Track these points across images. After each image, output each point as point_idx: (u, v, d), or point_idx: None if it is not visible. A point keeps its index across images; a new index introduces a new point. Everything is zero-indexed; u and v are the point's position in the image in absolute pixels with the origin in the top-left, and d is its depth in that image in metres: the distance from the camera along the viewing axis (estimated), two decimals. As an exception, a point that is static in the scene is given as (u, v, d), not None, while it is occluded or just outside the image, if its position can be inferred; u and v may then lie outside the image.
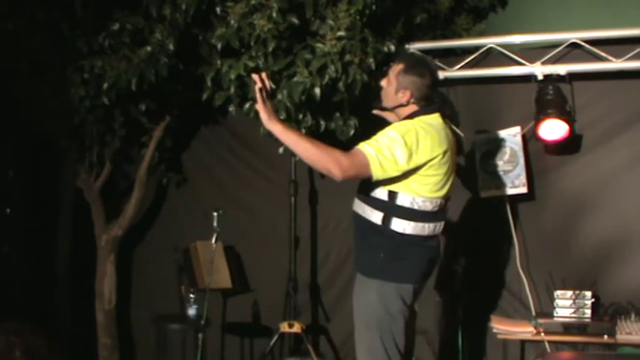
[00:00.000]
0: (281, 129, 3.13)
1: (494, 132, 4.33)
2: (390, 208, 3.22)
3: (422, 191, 3.21)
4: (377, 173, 3.12)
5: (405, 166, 3.13)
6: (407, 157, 3.12)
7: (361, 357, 3.31)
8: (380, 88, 3.44)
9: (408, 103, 3.33)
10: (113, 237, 4.93)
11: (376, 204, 3.24)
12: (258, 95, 3.13)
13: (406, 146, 3.12)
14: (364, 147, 3.13)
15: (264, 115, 3.14)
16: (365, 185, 3.29)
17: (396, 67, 3.35)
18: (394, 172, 3.14)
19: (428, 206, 3.23)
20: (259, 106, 3.14)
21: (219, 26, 3.97)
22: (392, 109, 3.41)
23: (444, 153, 3.22)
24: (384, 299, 3.22)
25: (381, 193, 3.24)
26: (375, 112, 3.59)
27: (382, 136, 3.15)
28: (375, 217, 3.24)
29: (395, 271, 3.24)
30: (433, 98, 3.37)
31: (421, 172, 3.19)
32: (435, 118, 3.32)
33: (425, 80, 3.31)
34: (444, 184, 3.27)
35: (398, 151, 3.11)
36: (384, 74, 3.45)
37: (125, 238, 5.01)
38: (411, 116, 3.29)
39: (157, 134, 4.84)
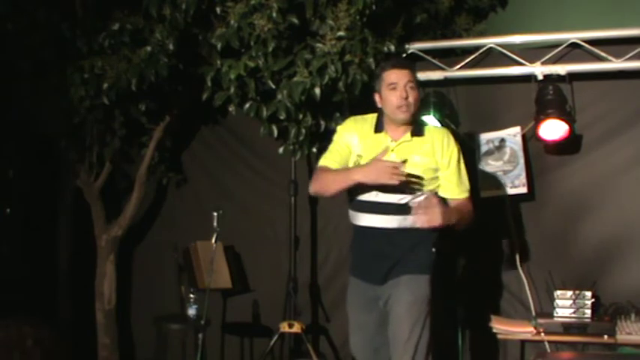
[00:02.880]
0: (449, 218, 3.31)
1: (494, 132, 4.33)
2: None
3: None
4: None
5: None
6: None
7: (409, 354, 3.33)
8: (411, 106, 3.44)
9: None
10: (113, 237, 4.93)
11: None
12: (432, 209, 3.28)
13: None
14: (464, 195, 3.47)
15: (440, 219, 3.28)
16: (413, 199, 3.38)
17: (414, 74, 3.46)
18: None
19: None
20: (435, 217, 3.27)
21: (219, 26, 3.97)
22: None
23: None
24: (432, 293, 3.37)
25: None
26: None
27: (461, 169, 3.48)
28: None
29: (435, 264, 3.42)
30: None
31: None
32: None
33: None
34: None
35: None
36: (391, 87, 3.41)
37: (125, 238, 5.02)
38: (421, 117, 3.59)
39: (156, 134, 4.84)
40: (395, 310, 3.37)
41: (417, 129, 3.41)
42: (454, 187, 3.42)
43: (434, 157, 3.38)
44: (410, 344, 3.32)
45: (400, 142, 3.40)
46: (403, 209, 3.36)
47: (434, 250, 3.41)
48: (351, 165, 3.44)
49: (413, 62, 3.73)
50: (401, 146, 3.39)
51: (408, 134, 3.40)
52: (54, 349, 1.80)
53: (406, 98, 3.34)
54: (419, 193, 3.37)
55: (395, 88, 3.37)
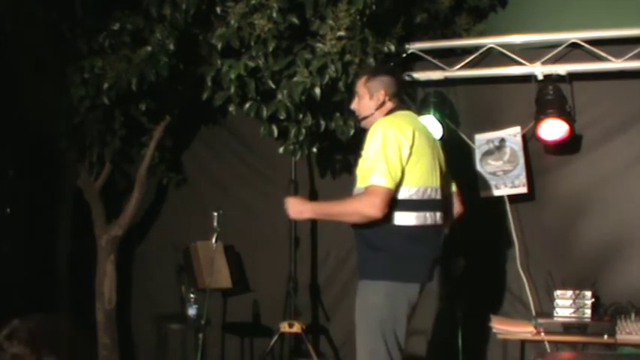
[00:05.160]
0: (316, 211, 3.53)
1: (494, 132, 4.33)
2: (391, 204, 3.22)
3: (412, 181, 3.24)
4: (394, 185, 3.19)
5: (404, 163, 3.21)
6: (401, 153, 3.20)
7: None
8: (354, 112, 3.61)
9: (384, 102, 3.45)
10: (113, 237, 4.93)
11: None
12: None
13: (397, 146, 3.20)
14: (372, 180, 3.19)
15: (297, 213, 3.48)
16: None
17: (360, 81, 3.51)
18: (400, 173, 3.21)
19: (421, 195, 3.27)
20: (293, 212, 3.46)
21: (219, 26, 3.97)
22: (372, 114, 3.46)
23: (413, 135, 3.26)
24: (390, 301, 3.22)
25: None
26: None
27: (375, 155, 3.20)
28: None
29: (402, 270, 3.23)
30: (402, 97, 3.63)
31: (409, 160, 3.25)
32: (407, 113, 3.52)
33: (392, 78, 3.52)
34: (431, 172, 3.31)
35: (392, 155, 3.19)
36: (351, 99, 3.59)
37: (125, 238, 5.01)
38: (388, 114, 3.42)
39: (156, 134, 4.84)
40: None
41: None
42: (363, 174, 3.26)
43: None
44: (362, 352, 3.29)
45: None
46: None
47: (388, 254, 3.22)
48: None
49: (367, 69, 3.74)
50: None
51: None
52: (88, 345, 1.80)
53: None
54: (360, 189, 3.30)
55: None
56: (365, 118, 3.50)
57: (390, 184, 3.17)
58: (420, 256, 3.27)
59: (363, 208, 3.21)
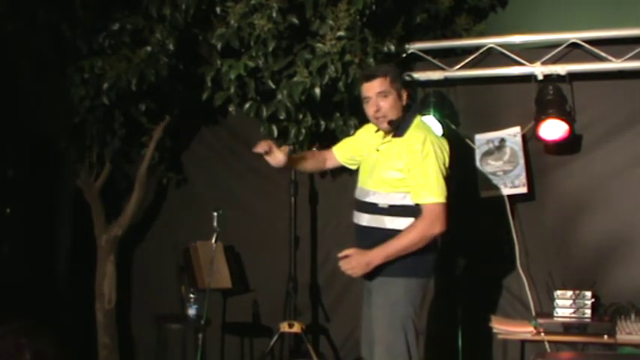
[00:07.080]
0: (383, 256, 3.30)
1: (494, 132, 4.33)
2: (418, 211, 3.31)
3: None
4: (445, 198, 3.29)
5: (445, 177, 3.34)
6: (446, 165, 3.34)
7: (381, 357, 3.34)
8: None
9: (408, 105, 3.46)
10: (113, 237, 4.93)
11: (403, 212, 3.35)
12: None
13: (443, 159, 3.33)
14: (427, 199, 3.28)
15: (364, 267, 3.33)
16: (383, 200, 3.37)
17: (384, 80, 3.39)
18: (447, 187, 3.32)
19: None
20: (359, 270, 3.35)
21: (219, 26, 3.98)
22: (401, 116, 3.43)
23: (449, 149, 3.42)
24: (410, 296, 3.34)
25: (408, 201, 3.34)
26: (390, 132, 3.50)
27: (426, 172, 3.28)
28: (401, 223, 3.33)
29: (419, 267, 3.36)
30: None
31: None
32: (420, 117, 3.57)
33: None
34: None
35: (441, 171, 3.30)
36: (365, 101, 3.46)
37: (125, 238, 5.01)
38: (409, 117, 3.43)
39: (156, 134, 4.84)
40: (370, 311, 3.44)
41: (398, 131, 3.42)
42: (415, 190, 3.30)
43: (402, 159, 3.34)
44: (381, 347, 3.33)
45: (384, 142, 3.47)
46: (372, 208, 3.40)
47: (409, 254, 3.30)
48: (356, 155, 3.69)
49: (387, 67, 3.59)
50: (385, 147, 3.45)
51: (390, 135, 3.45)
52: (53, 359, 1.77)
53: (377, 111, 3.40)
54: (390, 195, 3.36)
55: (368, 102, 3.44)
56: (395, 121, 3.39)
57: (443, 199, 3.28)
58: (432, 254, 3.41)
59: (429, 230, 3.28)
